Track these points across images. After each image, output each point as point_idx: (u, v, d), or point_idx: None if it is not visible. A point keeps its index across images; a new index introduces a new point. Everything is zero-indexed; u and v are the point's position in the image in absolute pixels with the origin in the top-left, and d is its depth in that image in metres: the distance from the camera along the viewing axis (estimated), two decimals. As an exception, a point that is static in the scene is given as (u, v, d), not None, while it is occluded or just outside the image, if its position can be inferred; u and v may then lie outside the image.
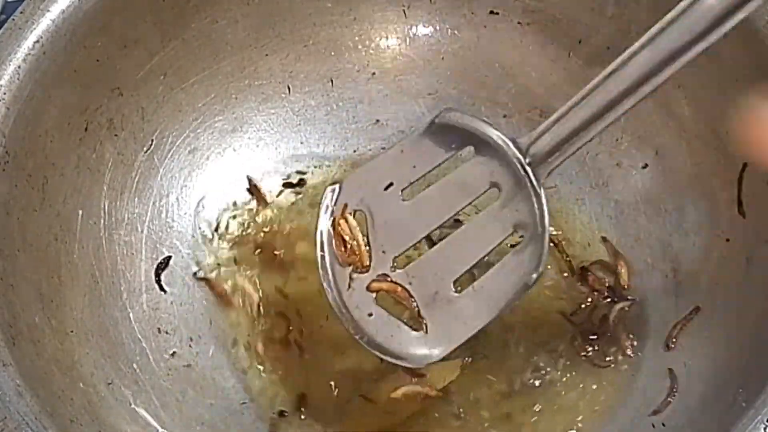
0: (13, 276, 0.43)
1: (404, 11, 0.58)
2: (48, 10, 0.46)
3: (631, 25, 0.51)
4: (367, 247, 0.46)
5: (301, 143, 0.58)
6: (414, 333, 0.45)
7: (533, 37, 0.56)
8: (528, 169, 0.43)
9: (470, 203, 0.45)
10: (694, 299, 0.49)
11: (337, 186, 0.47)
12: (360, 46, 0.58)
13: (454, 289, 0.45)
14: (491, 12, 0.56)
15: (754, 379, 0.39)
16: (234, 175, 0.56)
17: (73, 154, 0.48)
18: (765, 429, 0.36)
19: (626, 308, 0.51)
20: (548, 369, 0.50)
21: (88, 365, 0.45)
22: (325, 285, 0.46)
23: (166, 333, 0.51)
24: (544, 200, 0.43)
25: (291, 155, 0.57)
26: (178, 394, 0.49)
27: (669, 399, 0.45)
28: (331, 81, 0.58)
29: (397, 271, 0.46)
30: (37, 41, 0.46)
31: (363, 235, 0.46)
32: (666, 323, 0.49)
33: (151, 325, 0.50)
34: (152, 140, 0.53)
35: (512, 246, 0.44)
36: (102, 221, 0.50)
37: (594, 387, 0.49)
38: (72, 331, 0.46)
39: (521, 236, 0.44)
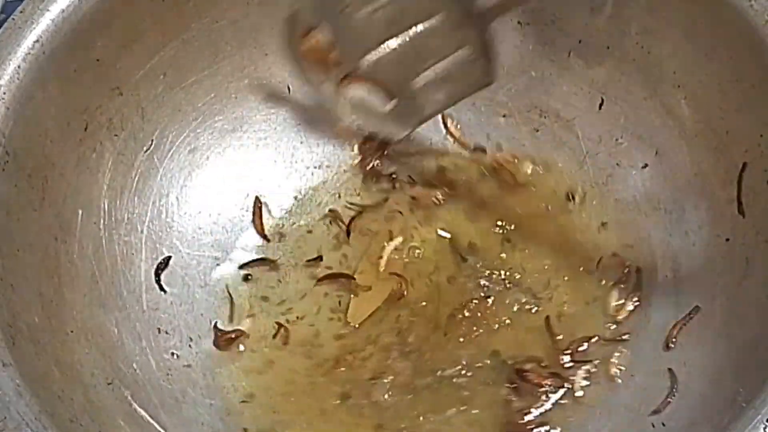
0: (13, 276, 0.43)
1: (404, 11, 0.58)
2: (48, 10, 0.46)
3: (631, 25, 0.51)
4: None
5: (301, 143, 0.58)
6: (388, 105, 0.51)
7: (533, 37, 0.56)
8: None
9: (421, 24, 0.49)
10: (694, 299, 0.49)
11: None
12: (360, 46, 0.58)
13: (416, 82, 0.50)
14: (491, 12, 0.56)
15: (753, 379, 0.39)
16: (234, 175, 0.56)
17: (73, 154, 0.48)
18: (765, 429, 0.36)
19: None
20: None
21: (88, 365, 0.45)
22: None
23: (166, 333, 0.51)
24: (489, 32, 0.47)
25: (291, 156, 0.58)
26: (178, 394, 0.49)
27: (669, 399, 0.45)
28: (332, 80, 0.58)
29: (366, 65, 0.50)
30: (37, 41, 0.46)
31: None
32: (666, 323, 0.49)
33: (151, 325, 0.50)
34: (152, 140, 0.53)
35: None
36: (102, 221, 0.50)
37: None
38: (72, 331, 0.45)
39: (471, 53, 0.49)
